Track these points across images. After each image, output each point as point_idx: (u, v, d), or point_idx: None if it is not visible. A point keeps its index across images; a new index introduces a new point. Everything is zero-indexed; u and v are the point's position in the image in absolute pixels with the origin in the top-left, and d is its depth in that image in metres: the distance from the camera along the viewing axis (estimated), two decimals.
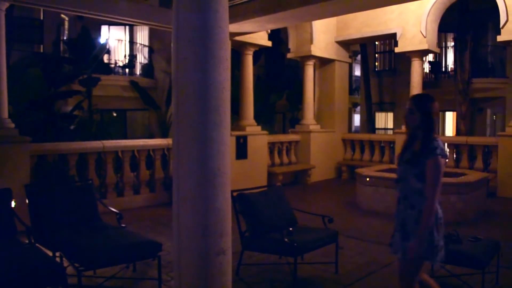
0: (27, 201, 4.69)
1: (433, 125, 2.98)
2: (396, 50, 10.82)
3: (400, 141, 10.52)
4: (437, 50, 10.98)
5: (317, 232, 4.65)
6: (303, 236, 4.37)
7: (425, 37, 10.11)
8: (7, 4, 6.41)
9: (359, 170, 8.29)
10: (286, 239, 4.14)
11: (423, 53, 10.53)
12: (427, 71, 17.18)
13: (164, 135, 13.35)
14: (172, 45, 2.52)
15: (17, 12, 12.04)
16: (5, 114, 6.46)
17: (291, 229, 4.35)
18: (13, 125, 6.53)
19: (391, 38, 11.81)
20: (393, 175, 7.61)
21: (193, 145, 2.39)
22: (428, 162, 2.89)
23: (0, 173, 6.08)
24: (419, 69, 10.59)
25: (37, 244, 4.23)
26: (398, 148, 10.65)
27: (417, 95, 3.27)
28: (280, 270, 4.80)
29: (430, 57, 16.72)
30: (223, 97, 2.46)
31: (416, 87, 10.46)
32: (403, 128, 10.47)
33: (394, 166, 9.26)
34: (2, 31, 6.39)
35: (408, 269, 3.08)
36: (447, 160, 2.84)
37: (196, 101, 2.40)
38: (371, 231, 6.53)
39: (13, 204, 4.49)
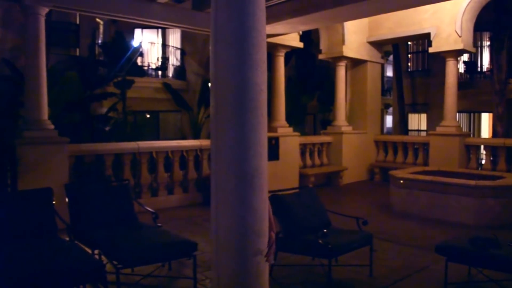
0: (66, 200, 4.84)
1: None
2: (430, 50, 10.62)
3: (435, 143, 10.37)
4: (473, 49, 10.71)
5: (351, 234, 4.63)
6: (337, 238, 4.35)
7: (460, 36, 9.88)
8: (46, 9, 6.63)
9: (393, 172, 8.19)
10: (320, 241, 4.13)
11: (458, 53, 10.29)
12: (462, 71, 16.77)
13: (196, 136, 13.50)
14: (210, 47, 2.56)
15: (55, 17, 12.41)
16: (45, 116, 6.68)
17: (325, 230, 4.33)
18: (52, 127, 6.74)
19: (425, 38, 11.59)
20: (429, 178, 7.53)
21: (231, 146, 2.42)
22: None
23: (41, 173, 6.30)
24: (454, 69, 10.36)
25: (76, 242, 4.36)
26: (432, 151, 10.44)
27: None
28: (313, 272, 4.80)
29: (465, 57, 16.32)
30: (261, 99, 2.48)
31: (450, 87, 10.25)
32: (437, 129, 10.31)
33: (428, 168, 9.11)
34: (42, 36, 6.61)
35: None
36: None
37: (234, 103, 2.43)
38: (405, 234, 6.44)
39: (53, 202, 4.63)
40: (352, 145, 11.44)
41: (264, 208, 2.49)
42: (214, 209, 2.49)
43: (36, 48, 6.53)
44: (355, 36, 11.34)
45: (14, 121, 8.38)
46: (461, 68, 16.58)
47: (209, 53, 2.54)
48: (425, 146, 10.94)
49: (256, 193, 2.42)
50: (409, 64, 19.48)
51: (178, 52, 16.39)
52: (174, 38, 16.63)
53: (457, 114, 10.95)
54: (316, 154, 11.11)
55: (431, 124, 16.73)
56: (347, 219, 4.99)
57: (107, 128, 11.22)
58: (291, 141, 10.00)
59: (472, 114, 17.53)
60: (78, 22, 14.40)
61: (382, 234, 6.13)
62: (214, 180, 2.49)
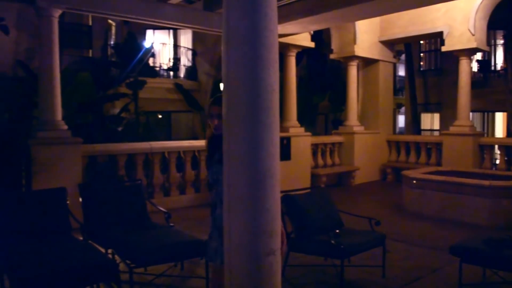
0: (80, 199, 4.89)
1: None
2: (443, 49, 10.53)
3: (448, 142, 10.27)
4: (486, 48, 10.59)
5: (364, 235, 4.60)
6: (350, 238, 4.33)
7: (473, 35, 9.78)
8: (60, 11, 6.69)
9: (405, 172, 8.13)
10: (332, 241, 4.11)
11: (471, 51, 10.18)
12: (476, 70, 16.61)
13: None
14: (222, 48, 2.56)
15: (68, 19, 12.53)
16: (59, 116, 6.74)
17: (337, 231, 4.32)
18: (66, 127, 6.80)
19: (437, 37, 11.48)
20: (442, 178, 7.46)
21: (244, 147, 2.41)
22: None
23: (55, 173, 6.36)
24: (467, 68, 10.26)
25: (90, 241, 4.40)
26: (445, 151, 10.34)
27: (220, 99, 2.92)
28: (325, 272, 4.78)
29: (478, 55, 16.17)
30: (273, 99, 2.47)
31: (464, 87, 10.15)
32: (451, 129, 10.18)
33: (442, 168, 9.03)
34: (56, 37, 6.67)
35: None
36: None
37: (246, 103, 2.42)
38: (418, 234, 6.39)
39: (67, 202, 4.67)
40: (364, 145, 11.38)
41: (277, 208, 2.49)
42: (226, 209, 2.49)
43: (50, 50, 6.59)
44: (367, 35, 11.28)
45: (28, 122, 8.48)
46: (475, 67, 16.42)
47: (221, 53, 2.55)
48: (438, 146, 10.84)
49: (269, 193, 2.41)
50: (421, 63, 19.35)
51: (190, 52, 16.45)
52: (186, 38, 16.71)
53: (471, 113, 10.83)
54: (328, 154, 11.08)
55: (444, 123, 16.60)
56: (359, 219, 4.97)
57: (119, 129, 11.30)
58: (302, 141, 9.98)
59: (485, 114, 17.36)
60: (90, 23, 14.53)
61: (395, 234, 6.08)
62: (227, 180, 2.49)
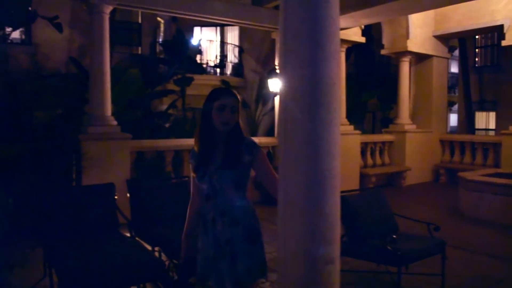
0: (128, 195, 4.85)
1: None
2: (503, 43, 9.89)
3: (508, 143, 9.65)
4: None
5: (422, 241, 4.31)
6: (407, 244, 4.05)
7: None
8: (111, 8, 6.73)
9: (462, 174, 7.68)
10: (389, 247, 3.85)
11: None
12: None
13: (253, 134, 13.41)
14: (279, 38, 2.39)
15: (118, 17, 12.74)
16: (109, 112, 6.79)
17: (394, 236, 4.05)
18: (115, 123, 6.85)
19: (496, 31, 10.84)
20: (504, 181, 6.98)
21: (302, 144, 2.22)
22: (259, 155, 2.55)
23: (104, 168, 6.39)
24: None
25: (137, 238, 4.34)
26: (505, 151, 9.73)
27: (230, 90, 2.66)
28: (379, 279, 4.53)
29: None
30: (334, 93, 2.26)
31: None
32: (510, 128, 9.55)
33: (501, 170, 8.49)
34: (106, 34, 6.72)
35: None
36: None
37: (304, 97, 2.23)
38: (479, 241, 5.99)
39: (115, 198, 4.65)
40: (416, 144, 10.92)
41: (336, 213, 2.29)
42: (282, 212, 2.31)
43: (100, 46, 6.64)
44: (420, 29, 10.80)
45: (79, 117, 8.63)
46: None
47: (278, 44, 2.37)
48: (496, 146, 10.23)
49: (328, 196, 2.22)
50: (476, 59, 18.46)
51: (236, 49, 16.40)
52: (232, 35, 16.66)
53: None
54: (377, 153, 10.70)
55: (501, 122, 15.75)
56: (411, 223, 4.68)
57: (167, 125, 11.35)
58: (351, 139, 9.67)
59: None
60: (140, 21, 14.73)
61: (453, 240, 5.69)
62: (283, 181, 2.30)
